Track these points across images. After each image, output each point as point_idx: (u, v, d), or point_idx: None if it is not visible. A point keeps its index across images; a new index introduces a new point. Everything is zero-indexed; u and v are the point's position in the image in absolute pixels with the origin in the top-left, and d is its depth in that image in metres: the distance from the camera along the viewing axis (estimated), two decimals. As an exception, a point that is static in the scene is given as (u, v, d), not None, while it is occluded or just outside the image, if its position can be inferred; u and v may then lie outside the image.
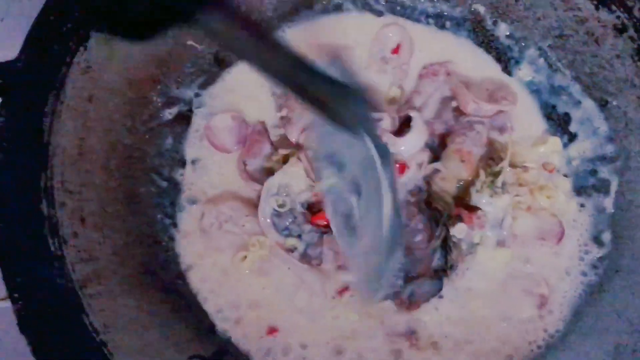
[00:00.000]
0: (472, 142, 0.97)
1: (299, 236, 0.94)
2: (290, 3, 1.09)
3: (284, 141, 1.02)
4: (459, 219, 0.92)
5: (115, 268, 0.89)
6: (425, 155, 0.97)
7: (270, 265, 0.96)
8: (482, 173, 0.94)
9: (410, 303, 0.92)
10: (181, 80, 1.04)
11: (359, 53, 1.09)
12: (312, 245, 0.94)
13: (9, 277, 0.79)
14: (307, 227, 0.94)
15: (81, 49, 0.90)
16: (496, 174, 0.94)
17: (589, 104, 1.01)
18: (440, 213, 0.93)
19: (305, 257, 0.94)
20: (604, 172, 0.99)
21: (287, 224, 0.94)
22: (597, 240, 0.97)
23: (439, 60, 1.08)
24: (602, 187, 0.99)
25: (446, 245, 0.93)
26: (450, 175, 0.96)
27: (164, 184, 1.00)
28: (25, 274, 0.79)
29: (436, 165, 0.96)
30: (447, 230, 0.92)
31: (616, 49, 0.96)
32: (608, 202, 0.98)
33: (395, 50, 1.09)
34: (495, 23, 1.07)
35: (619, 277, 0.91)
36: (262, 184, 0.96)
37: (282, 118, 1.01)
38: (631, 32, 0.94)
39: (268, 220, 0.94)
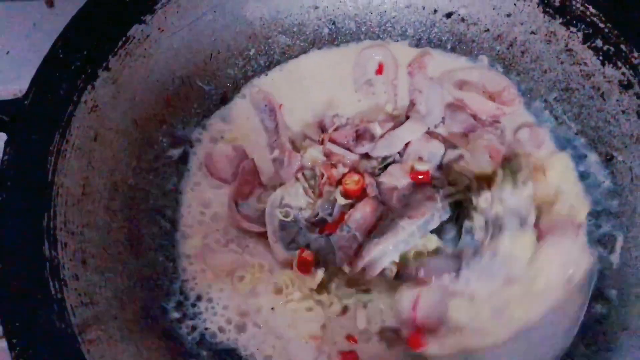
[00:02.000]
0: (500, 141, 0.99)
1: (308, 246, 0.96)
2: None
3: (275, 179, 1.02)
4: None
5: (116, 312, 0.87)
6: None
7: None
8: (500, 172, 0.94)
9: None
10: (187, 121, 1.03)
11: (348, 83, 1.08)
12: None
13: (8, 321, 0.77)
14: (313, 235, 0.96)
15: (89, 87, 0.89)
16: (515, 172, 0.95)
17: (593, 158, 1.01)
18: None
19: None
20: (608, 227, 0.98)
21: (293, 236, 0.96)
22: (602, 296, 0.95)
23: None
24: (608, 243, 0.98)
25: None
26: (474, 165, 0.97)
27: (167, 225, 0.99)
28: (24, 318, 0.77)
29: (461, 150, 0.97)
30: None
31: (622, 105, 0.97)
32: (614, 258, 0.96)
33: (379, 71, 1.07)
34: (500, 74, 1.09)
35: (626, 336, 0.90)
36: (258, 223, 0.97)
37: (274, 160, 1.02)
38: (637, 88, 0.95)
39: (275, 235, 0.95)
